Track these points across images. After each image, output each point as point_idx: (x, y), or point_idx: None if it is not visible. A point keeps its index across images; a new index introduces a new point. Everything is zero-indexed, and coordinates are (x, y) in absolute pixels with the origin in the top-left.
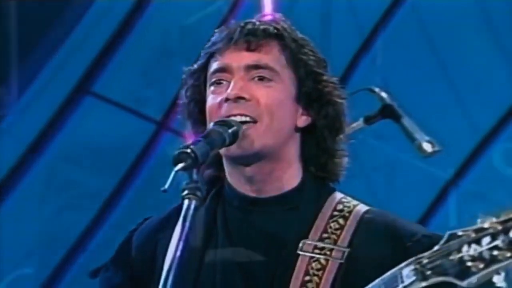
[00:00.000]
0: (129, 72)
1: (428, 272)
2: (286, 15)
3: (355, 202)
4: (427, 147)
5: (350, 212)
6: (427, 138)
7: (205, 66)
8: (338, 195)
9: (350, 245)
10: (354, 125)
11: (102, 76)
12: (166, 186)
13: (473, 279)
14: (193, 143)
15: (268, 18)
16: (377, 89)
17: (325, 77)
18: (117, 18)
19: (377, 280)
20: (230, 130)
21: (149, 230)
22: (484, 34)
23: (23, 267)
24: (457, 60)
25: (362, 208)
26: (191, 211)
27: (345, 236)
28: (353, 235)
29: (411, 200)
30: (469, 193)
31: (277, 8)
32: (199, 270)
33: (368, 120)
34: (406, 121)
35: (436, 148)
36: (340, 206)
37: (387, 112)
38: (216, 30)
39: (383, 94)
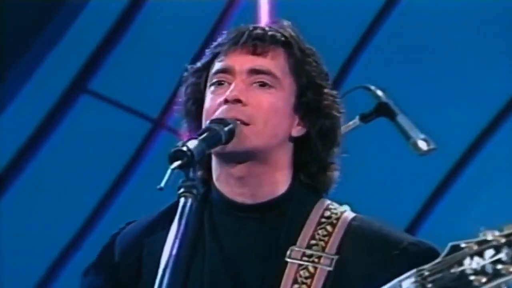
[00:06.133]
0: (125, 70)
1: (429, 285)
2: (281, 13)
3: (341, 208)
4: (422, 145)
5: (337, 219)
6: (422, 136)
7: (208, 65)
8: (325, 202)
9: (338, 252)
10: (350, 123)
11: (98, 74)
12: (162, 184)
13: None
14: (189, 141)
15: (276, 24)
16: (372, 87)
17: (325, 90)
18: (113, 16)
19: None
20: (226, 128)
21: (134, 234)
22: (479, 32)
23: (21, 264)
24: (452, 57)
25: (349, 215)
26: (187, 209)
27: (333, 243)
28: (341, 243)
29: (406, 199)
30: (465, 192)
31: (273, 7)
32: (187, 276)
33: (363, 118)
34: (402, 119)
35: (432, 146)
36: (327, 213)
37: (382, 110)
38: (224, 32)
39: (379, 92)
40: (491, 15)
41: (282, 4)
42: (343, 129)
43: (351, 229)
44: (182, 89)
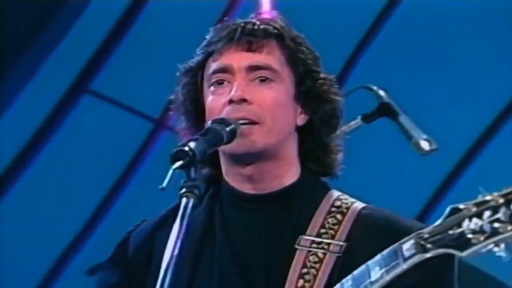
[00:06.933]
0: (127, 70)
1: (429, 245)
2: (283, 14)
3: (352, 199)
4: (425, 145)
5: (347, 208)
6: (424, 136)
7: (202, 64)
8: (336, 193)
9: (347, 239)
10: (352, 123)
11: (99, 74)
12: (164, 184)
13: (473, 250)
14: (191, 141)
15: (265, 16)
16: (374, 87)
17: (322, 75)
18: (115, 16)
19: (377, 256)
20: (228, 128)
21: (146, 231)
22: (480, 32)
23: (21, 265)
24: (454, 57)
25: (359, 204)
26: (188, 209)
27: (343, 231)
28: (351, 230)
29: (408, 199)
30: (466, 192)
31: (274, 6)
32: (196, 269)
33: (365, 118)
34: (404, 119)
35: (434, 146)
36: (338, 203)
37: (384, 110)
38: (211, 28)
39: (381, 92)
40: (491, 15)
41: (284, 4)
42: (345, 128)
43: (361, 217)
44: (177, 88)
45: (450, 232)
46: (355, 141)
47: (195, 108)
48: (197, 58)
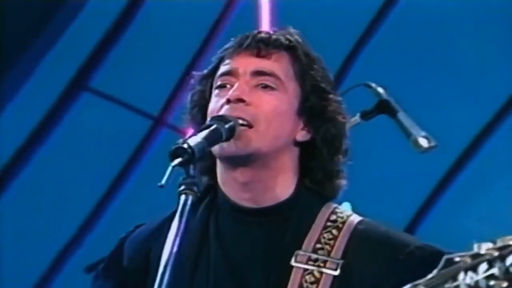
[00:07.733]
0: (125, 68)
1: None
2: (282, 13)
3: (348, 212)
4: (423, 142)
5: (343, 222)
6: (423, 133)
7: (214, 71)
8: (332, 205)
9: (343, 256)
10: (351, 120)
11: (99, 72)
12: (163, 181)
13: None
14: (190, 138)
15: (282, 30)
16: (373, 85)
17: (330, 95)
18: (113, 14)
19: None
20: (226, 126)
21: (141, 238)
22: (479, 31)
23: (21, 262)
24: (452, 56)
25: (355, 218)
26: (187, 207)
27: (339, 247)
28: (347, 247)
29: (406, 196)
30: (465, 190)
31: (274, 6)
32: (192, 280)
33: (364, 116)
34: (402, 116)
35: (432, 144)
36: (333, 217)
37: (383, 107)
38: (232, 39)
39: (380, 90)
40: (490, 14)
41: (282, 3)
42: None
43: (357, 232)
44: (188, 96)
45: (446, 286)
46: (354, 138)
47: (203, 115)
48: (211, 66)
